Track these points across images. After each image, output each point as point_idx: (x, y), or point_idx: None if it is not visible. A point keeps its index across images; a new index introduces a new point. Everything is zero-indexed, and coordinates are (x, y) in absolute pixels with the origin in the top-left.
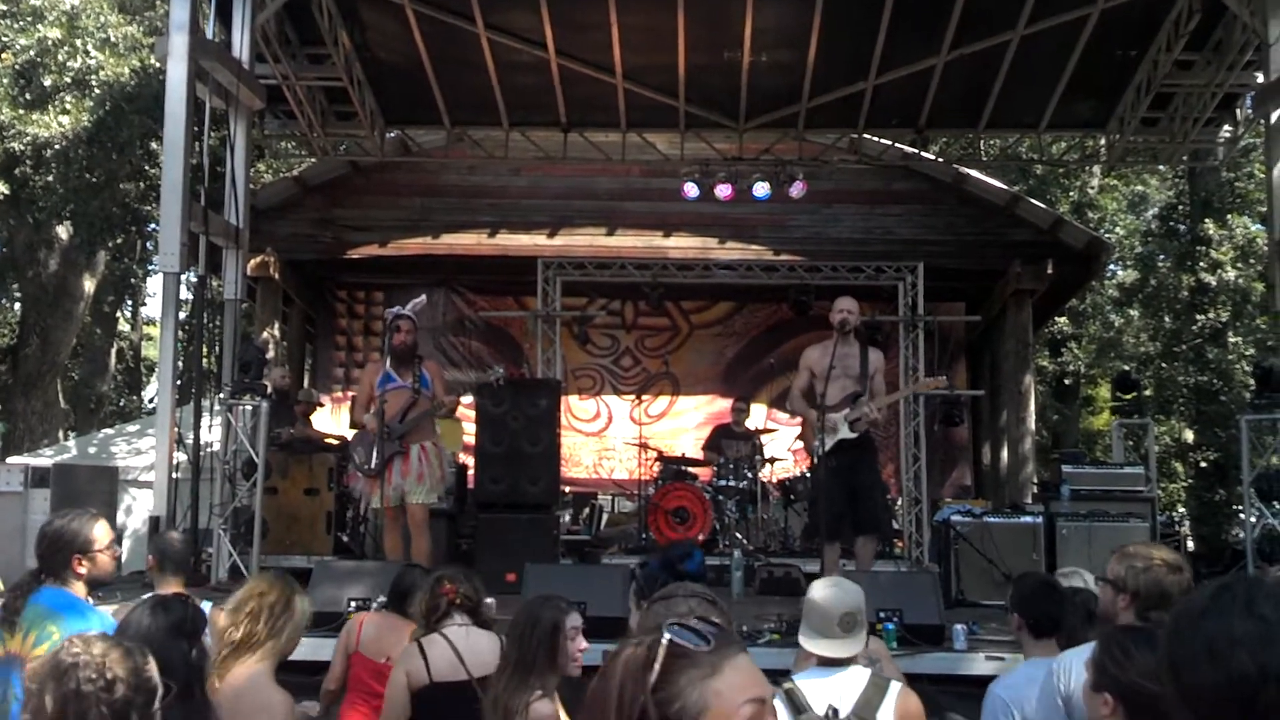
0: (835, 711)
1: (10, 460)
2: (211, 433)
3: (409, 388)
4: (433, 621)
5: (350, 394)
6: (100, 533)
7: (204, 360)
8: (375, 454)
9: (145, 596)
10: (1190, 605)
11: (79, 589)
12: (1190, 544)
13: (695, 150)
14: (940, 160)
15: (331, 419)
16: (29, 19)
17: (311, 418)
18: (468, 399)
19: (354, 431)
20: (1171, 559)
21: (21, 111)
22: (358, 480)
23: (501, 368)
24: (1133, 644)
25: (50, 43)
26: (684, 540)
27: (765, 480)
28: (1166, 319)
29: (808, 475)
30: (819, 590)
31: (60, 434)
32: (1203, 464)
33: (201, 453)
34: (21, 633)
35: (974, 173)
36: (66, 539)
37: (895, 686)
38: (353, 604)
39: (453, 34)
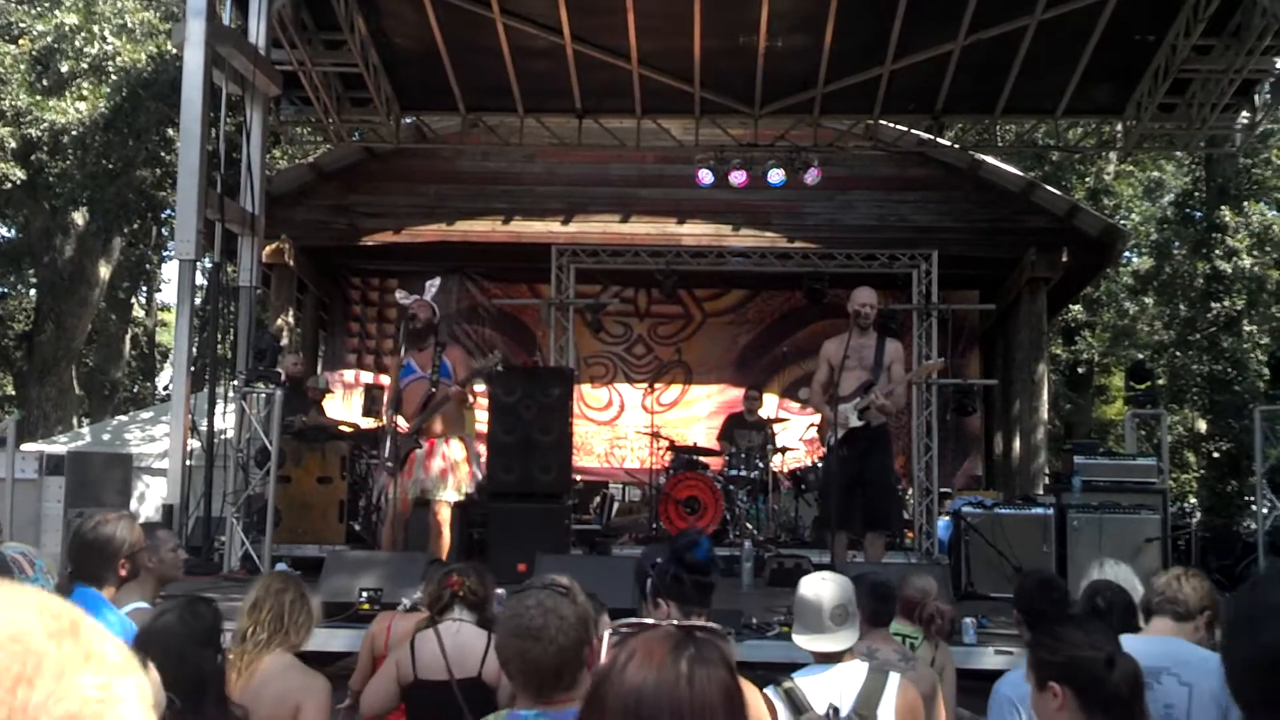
0: (836, 710)
1: (25, 447)
2: (225, 420)
3: (426, 378)
4: (436, 611)
5: (362, 381)
6: (138, 533)
7: (218, 347)
8: (394, 449)
9: (170, 599)
10: (1250, 580)
11: (110, 592)
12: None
13: (710, 136)
14: (956, 146)
15: (343, 406)
16: (46, 5)
17: (324, 405)
18: (480, 386)
19: (370, 421)
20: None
21: (39, 98)
22: (381, 474)
23: (499, 352)
24: (1058, 629)
25: (68, 29)
26: (690, 529)
27: (776, 470)
28: (1181, 307)
29: (819, 466)
30: (807, 586)
31: (74, 420)
32: (1215, 454)
33: (215, 440)
34: None
35: (990, 159)
36: (113, 543)
37: (894, 678)
38: (364, 594)
39: (468, 19)
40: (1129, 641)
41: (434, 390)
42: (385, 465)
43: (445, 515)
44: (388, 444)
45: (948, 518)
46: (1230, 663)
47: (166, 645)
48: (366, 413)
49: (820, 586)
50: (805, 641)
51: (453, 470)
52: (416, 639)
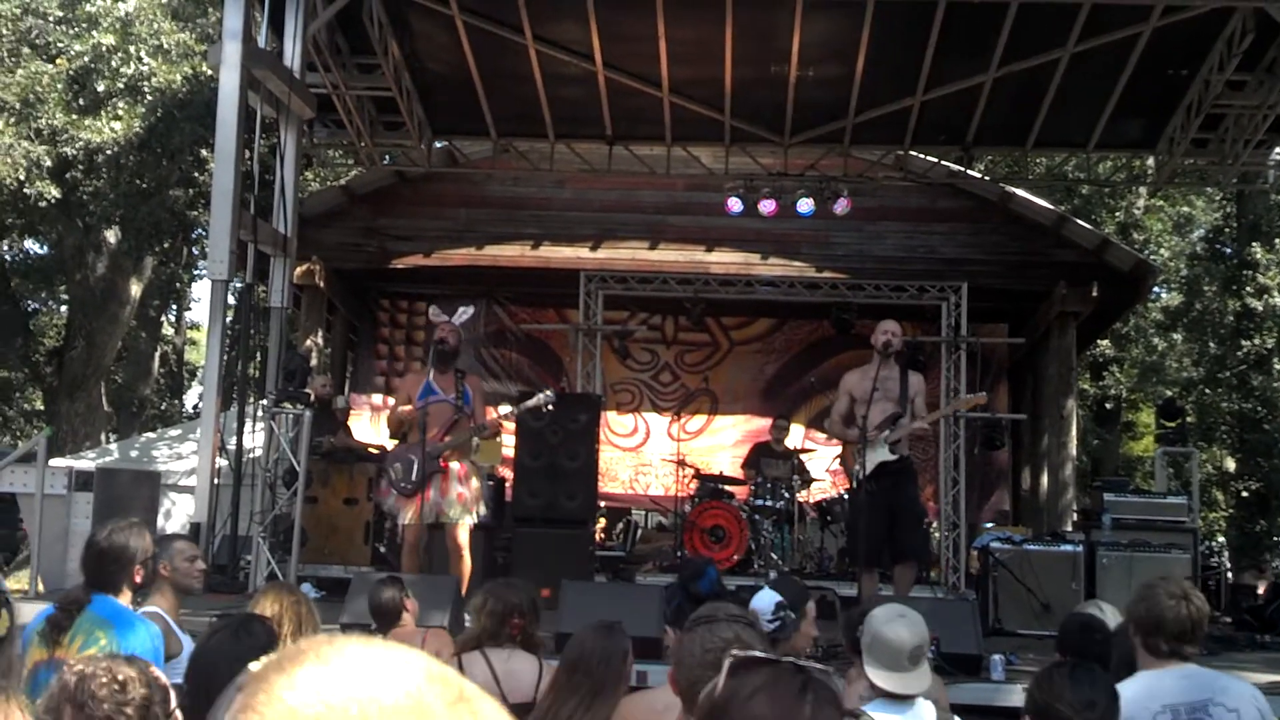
0: None
1: (53, 462)
2: (254, 439)
3: (451, 403)
4: (485, 641)
5: (389, 404)
6: (150, 542)
7: (248, 367)
8: (415, 471)
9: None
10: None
11: (126, 598)
12: (1230, 576)
13: (740, 165)
14: (986, 178)
15: (371, 428)
16: (84, 25)
17: (351, 426)
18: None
19: (394, 443)
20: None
21: (74, 117)
22: (389, 495)
23: (552, 390)
24: (1056, 672)
25: (104, 49)
26: (696, 559)
27: (802, 501)
28: (1211, 344)
29: (845, 497)
30: (886, 624)
31: (102, 436)
32: (1244, 493)
33: (243, 459)
34: (67, 639)
35: (1020, 192)
36: (128, 551)
37: None
38: None
39: (501, 45)
40: (1165, 676)
41: (459, 414)
42: (400, 485)
43: (464, 539)
44: (401, 466)
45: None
46: None
47: (220, 663)
48: (394, 435)
49: (901, 625)
50: (880, 679)
51: (468, 494)
52: (464, 661)
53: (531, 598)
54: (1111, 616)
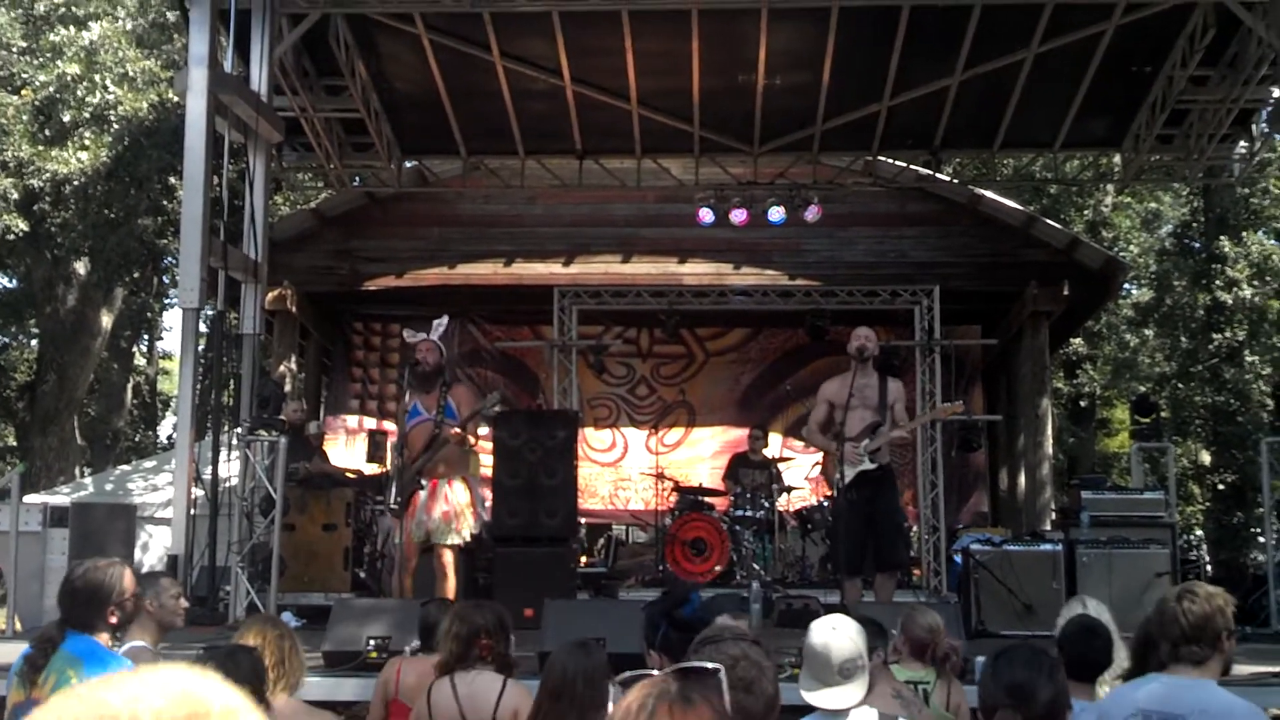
0: None
1: (28, 499)
2: (229, 468)
3: (431, 419)
4: (454, 665)
5: (365, 427)
6: (129, 581)
7: (222, 396)
8: (398, 490)
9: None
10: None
11: (104, 638)
12: (1209, 569)
13: (710, 175)
14: (955, 181)
15: (346, 452)
16: (48, 55)
17: (327, 451)
18: (483, 430)
19: (373, 467)
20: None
21: (41, 148)
22: (388, 518)
23: (497, 393)
24: (1014, 654)
25: (69, 79)
26: (681, 583)
27: (782, 510)
28: (1182, 339)
29: (825, 505)
30: (817, 634)
31: (77, 470)
32: (1220, 486)
33: (219, 489)
34: (41, 678)
35: (989, 193)
36: (102, 590)
37: None
38: (371, 642)
39: (469, 63)
40: (1154, 681)
41: (438, 431)
42: (390, 508)
43: (449, 559)
44: (393, 488)
45: (959, 556)
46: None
47: None
48: (370, 459)
49: (830, 637)
50: (811, 696)
51: (456, 513)
52: (433, 690)
53: (499, 616)
54: (1095, 610)
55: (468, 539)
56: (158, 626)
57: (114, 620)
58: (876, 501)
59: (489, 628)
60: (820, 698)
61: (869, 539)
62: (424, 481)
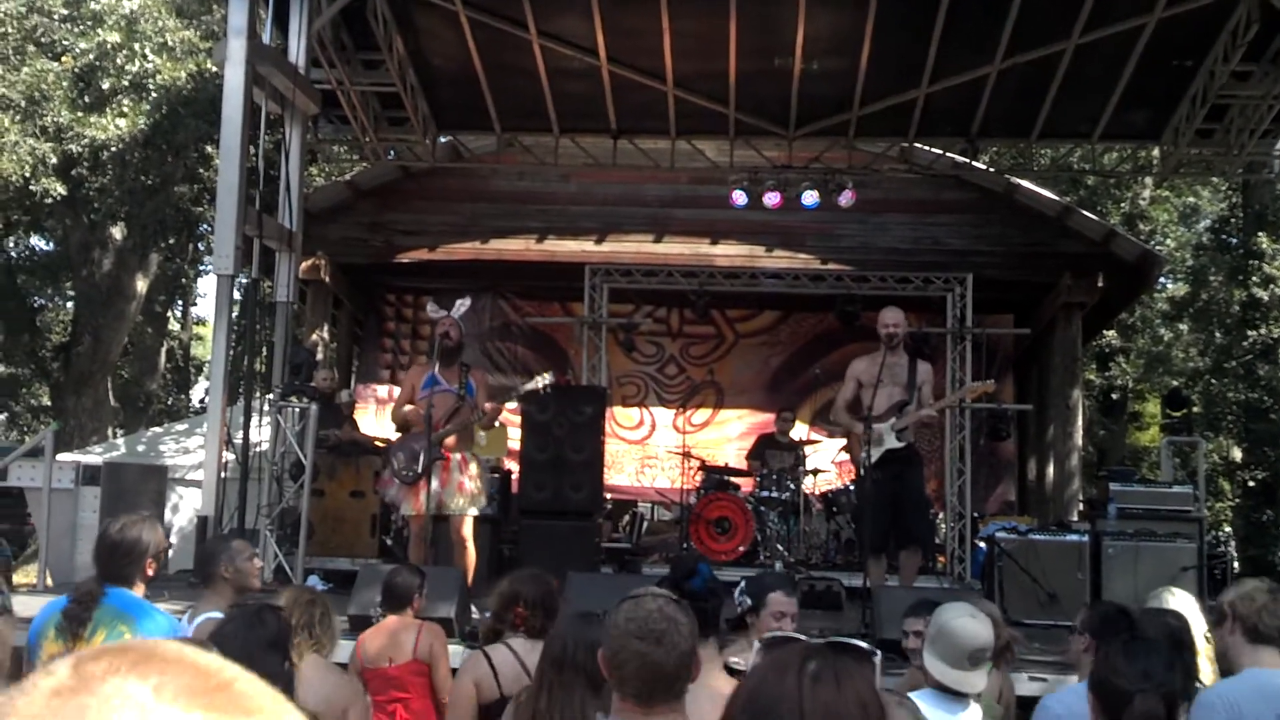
0: None
1: (60, 457)
2: (260, 433)
3: (454, 393)
4: (490, 636)
5: (395, 397)
6: (162, 535)
7: (254, 362)
8: (420, 460)
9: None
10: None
11: (139, 591)
12: (1237, 565)
13: (744, 158)
14: (991, 170)
15: (377, 421)
16: (89, 23)
17: (357, 420)
18: (512, 404)
19: (398, 435)
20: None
21: (80, 114)
22: (391, 485)
23: (550, 375)
24: (1113, 649)
25: (109, 46)
26: (687, 555)
27: (808, 492)
28: (1217, 334)
29: (850, 489)
30: (955, 618)
31: (109, 431)
32: (1250, 483)
33: (250, 453)
34: (88, 632)
35: (1025, 183)
36: (140, 544)
37: None
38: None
39: (505, 40)
40: (1257, 678)
41: (461, 404)
42: (403, 473)
43: (468, 530)
44: (405, 454)
45: (983, 544)
46: None
47: (232, 652)
48: (398, 429)
49: (968, 624)
50: (935, 670)
51: (471, 485)
52: (489, 653)
53: (543, 592)
54: (1184, 604)
55: (481, 510)
56: (234, 591)
57: (150, 574)
58: (902, 480)
59: (527, 598)
60: (946, 676)
61: (894, 518)
62: (441, 454)
